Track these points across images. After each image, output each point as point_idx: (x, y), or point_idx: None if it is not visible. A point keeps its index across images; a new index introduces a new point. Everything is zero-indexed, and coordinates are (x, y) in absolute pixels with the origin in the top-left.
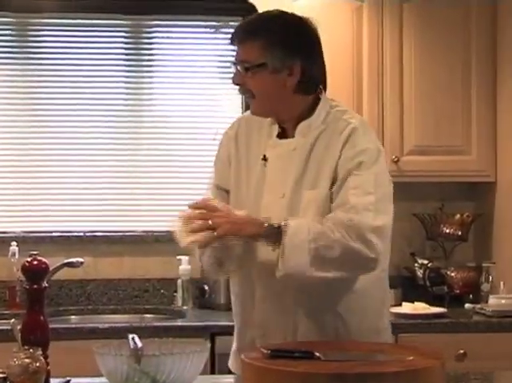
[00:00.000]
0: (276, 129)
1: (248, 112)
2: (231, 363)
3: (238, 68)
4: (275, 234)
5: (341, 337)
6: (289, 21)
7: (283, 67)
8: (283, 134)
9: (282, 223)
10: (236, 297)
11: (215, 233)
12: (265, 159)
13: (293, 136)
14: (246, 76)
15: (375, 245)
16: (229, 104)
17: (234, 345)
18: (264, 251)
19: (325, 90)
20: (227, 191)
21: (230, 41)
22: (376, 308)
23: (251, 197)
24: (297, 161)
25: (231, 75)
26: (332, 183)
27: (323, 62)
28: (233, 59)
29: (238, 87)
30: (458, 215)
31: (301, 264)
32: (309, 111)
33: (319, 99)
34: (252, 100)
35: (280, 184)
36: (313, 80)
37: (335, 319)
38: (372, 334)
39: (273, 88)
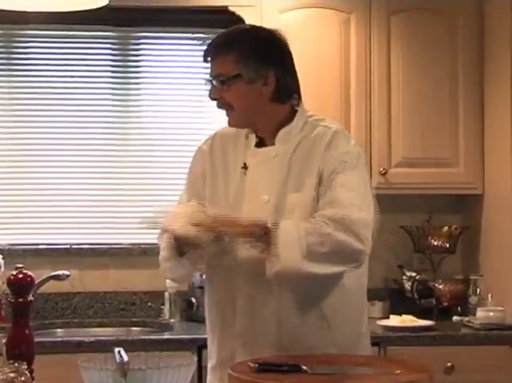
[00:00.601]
0: (253, 139)
1: (222, 128)
2: (210, 380)
3: (214, 83)
4: (263, 234)
5: (325, 341)
6: (260, 33)
7: (258, 77)
8: (261, 143)
9: (270, 223)
10: (214, 305)
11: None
12: (245, 167)
13: (271, 144)
14: (222, 89)
15: (363, 237)
16: (216, 115)
17: (212, 361)
18: (249, 252)
19: (300, 100)
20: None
21: (203, 58)
22: (358, 313)
23: (231, 206)
24: (279, 167)
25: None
26: (318, 185)
27: (295, 72)
28: (207, 76)
29: (215, 102)
30: (445, 228)
31: (294, 260)
32: (287, 120)
33: (295, 109)
34: (231, 113)
35: (263, 190)
36: (287, 89)
37: (320, 321)
38: (354, 339)
39: (251, 99)
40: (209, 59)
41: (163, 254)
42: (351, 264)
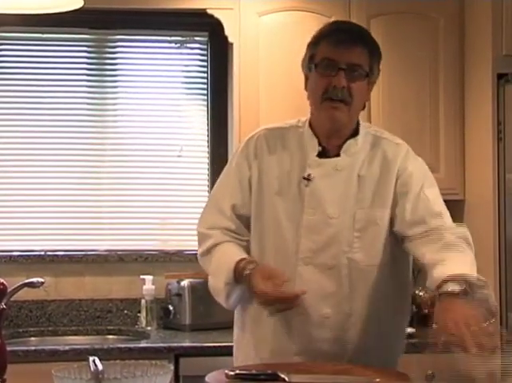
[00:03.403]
0: (315, 148)
1: (268, 127)
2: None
3: (345, 71)
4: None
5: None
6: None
7: (375, 79)
8: (322, 154)
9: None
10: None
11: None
12: (308, 178)
13: (334, 155)
14: (348, 80)
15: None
16: (194, 120)
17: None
18: None
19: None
20: (245, 217)
21: (344, 39)
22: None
23: (289, 217)
24: (345, 181)
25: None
26: (393, 203)
27: None
28: (335, 60)
29: (336, 90)
30: None
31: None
32: (353, 130)
33: (358, 120)
34: (345, 107)
35: (329, 205)
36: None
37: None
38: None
39: (365, 98)
40: (346, 44)
41: (218, 284)
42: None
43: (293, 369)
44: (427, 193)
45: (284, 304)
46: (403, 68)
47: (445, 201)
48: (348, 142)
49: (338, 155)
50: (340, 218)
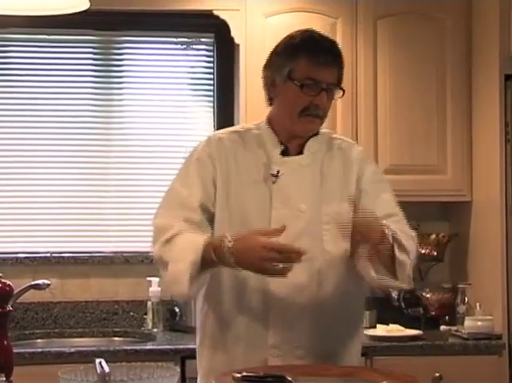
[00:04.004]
0: (277, 147)
1: (217, 133)
2: None
3: (327, 90)
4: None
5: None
6: None
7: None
8: (285, 152)
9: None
10: (237, 316)
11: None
12: (276, 175)
13: (296, 154)
14: (327, 98)
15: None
16: (200, 121)
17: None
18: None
19: None
20: (209, 212)
21: (326, 61)
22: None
23: (258, 213)
24: (311, 176)
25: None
26: (353, 198)
27: None
28: (318, 81)
29: (316, 108)
30: (433, 236)
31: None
32: None
33: None
34: (319, 121)
35: (298, 199)
36: None
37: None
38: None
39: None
40: (330, 65)
41: (180, 267)
42: None
43: (299, 372)
44: (383, 196)
45: (288, 257)
46: (410, 69)
47: (452, 203)
48: (310, 141)
49: (300, 153)
50: (308, 212)
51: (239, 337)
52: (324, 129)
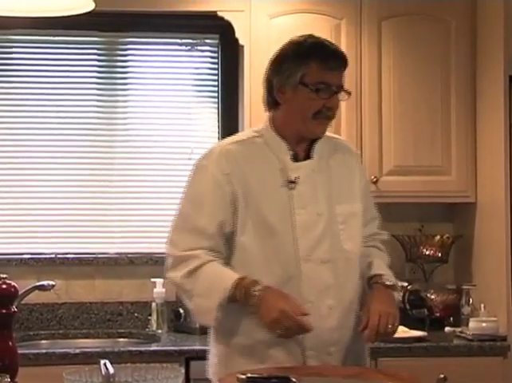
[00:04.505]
0: (287, 153)
1: (224, 142)
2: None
3: (338, 93)
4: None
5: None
6: None
7: None
8: (294, 157)
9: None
10: None
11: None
12: (295, 181)
13: (304, 159)
14: (337, 100)
15: None
16: (205, 122)
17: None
18: None
19: None
20: (228, 233)
21: (336, 65)
22: None
23: (280, 218)
24: (322, 180)
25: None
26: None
27: None
28: (329, 84)
29: (328, 110)
30: (437, 237)
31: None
32: None
33: None
34: (328, 122)
35: (313, 203)
36: None
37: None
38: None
39: None
40: (341, 68)
41: (208, 304)
42: None
43: (304, 373)
44: (370, 198)
45: (296, 330)
46: (415, 69)
47: (456, 204)
48: (316, 145)
49: (307, 157)
50: (326, 214)
51: (275, 341)
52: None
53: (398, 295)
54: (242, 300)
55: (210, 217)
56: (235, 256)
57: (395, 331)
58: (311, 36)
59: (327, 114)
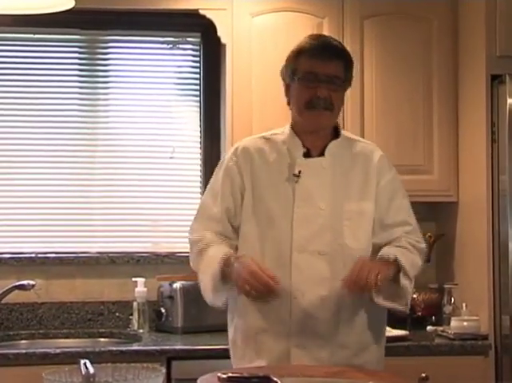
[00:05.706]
0: (300, 149)
1: (247, 139)
2: None
3: (324, 82)
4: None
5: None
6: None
7: (349, 87)
8: (307, 154)
9: (391, 256)
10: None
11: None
12: (298, 175)
13: (317, 155)
14: (329, 90)
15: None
16: (187, 121)
17: (261, 362)
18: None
19: None
20: (236, 220)
21: (325, 56)
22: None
23: (282, 211)
24: (331, 177)
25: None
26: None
27: None
28: (316, 73)
29: (319, 99)
30: None
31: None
32: (332, 133)
33: (337, 124)
34: (328, 113)
35: (316, 198)
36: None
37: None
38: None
39: (343, 103)
40: (325, 58)
41: (205, 279)
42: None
43: (285, 373)
44: (396, 204)
45: (264, 291)
46: (397, 68)
47: (438, 203)
48: (331, 144)
49: (321, 155)
50: (328, 209)
51: (263, 328)
52: (346, 132)
53: (404, 278)
54: (230, 275)
55: (220, 203)
56: (239, 245)
57: (376, 284)
58: (315, 35)
59: (318, 103)
